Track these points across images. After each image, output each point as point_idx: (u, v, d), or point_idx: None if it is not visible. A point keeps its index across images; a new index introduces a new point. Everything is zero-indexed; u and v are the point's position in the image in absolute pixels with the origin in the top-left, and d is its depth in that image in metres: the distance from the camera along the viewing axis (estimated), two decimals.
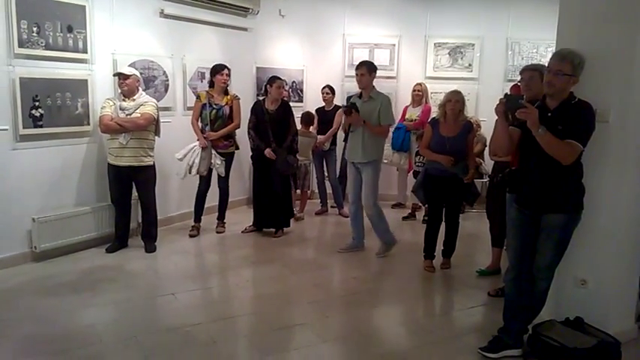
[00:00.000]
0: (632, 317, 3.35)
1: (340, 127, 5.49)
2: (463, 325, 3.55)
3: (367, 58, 6.78)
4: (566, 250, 2.95)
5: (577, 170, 2.89)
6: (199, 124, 5.14)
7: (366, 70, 4.56)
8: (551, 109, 2.85)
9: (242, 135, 5.43)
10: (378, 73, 6.74)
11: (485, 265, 4.37)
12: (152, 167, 4.67)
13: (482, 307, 3.79)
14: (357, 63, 4.76)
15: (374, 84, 4.67)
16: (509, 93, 3.03)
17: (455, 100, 4.22)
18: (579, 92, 2.87)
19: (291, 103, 5.69)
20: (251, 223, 5.45)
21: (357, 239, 4.92)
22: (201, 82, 5.70)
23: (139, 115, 4.47)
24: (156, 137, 4.68)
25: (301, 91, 6.88)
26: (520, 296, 3.03)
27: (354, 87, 5.30)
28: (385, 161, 6.37)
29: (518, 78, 3.61)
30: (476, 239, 4.93)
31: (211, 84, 5.21)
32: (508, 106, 2.84)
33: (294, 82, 6.83)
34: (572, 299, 3.22)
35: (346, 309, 3.73)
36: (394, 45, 6.91)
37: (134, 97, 4.53)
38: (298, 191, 6.05)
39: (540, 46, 6.65)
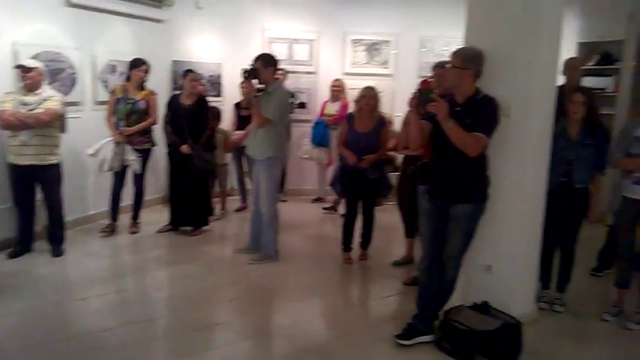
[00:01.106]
0: (533, 299, 3.60)
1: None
2: (380, 314, 3.65)
3: (286, 53, 6.84)
4: (474, 238, 3.11)
5: (483, 162, 3.05)
6: (113, 118, 4.91)
7: (261, 63, 4.28)
8: (459, 103, 2.99)
9: (159, 132, 5.26)
10: (298, 68, 6.86)
11: (400, 256, 4.52)
12: (57, 166, 4.39)
13: (398, 295, 3.92)
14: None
15: (289, 78, 4.62)
16: (421, 87, 3.16)
17: (369, 96, 4.31)
18: (485, 88, 3.03)
19: (210, 98, 5.56)
20: (167, 222, 5.28)
21: (252, 242, 4.66)
22: (113, 75, 5.44)
23: (43, 110, 4.19)
24: (62, 134, 4.41)
25: (219, 85, 6.75)
26: (432, 284, 3.16)
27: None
28: (305, 156, 6.44)
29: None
30: (392, 231, 5.08)
31: (127, 78, 5.00)
32: (420, 100, 2.95)
33: (211, 75, 6.69)
34: (479, 285, 3.40)
35: (266, 305, 3.72)
36: (313, 40, 6.95)
37: (37, 92, 4.23)
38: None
39: (452, 44, 6.88)
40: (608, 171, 3.58)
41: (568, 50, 6.28)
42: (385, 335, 3.22)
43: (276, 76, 4.65)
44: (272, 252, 4.51)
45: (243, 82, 4.76)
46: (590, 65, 6.35)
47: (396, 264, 4.46)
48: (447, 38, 6.90)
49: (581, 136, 3.47)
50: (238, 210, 6.16)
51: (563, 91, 3.78)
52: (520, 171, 3.30)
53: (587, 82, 6.30)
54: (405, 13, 6.90)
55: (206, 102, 5.19)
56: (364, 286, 4.29)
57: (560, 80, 4.26)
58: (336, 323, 3.51)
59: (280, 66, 6.34)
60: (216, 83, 6.72)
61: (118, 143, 4.81)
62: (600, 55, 6.32)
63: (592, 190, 3.52)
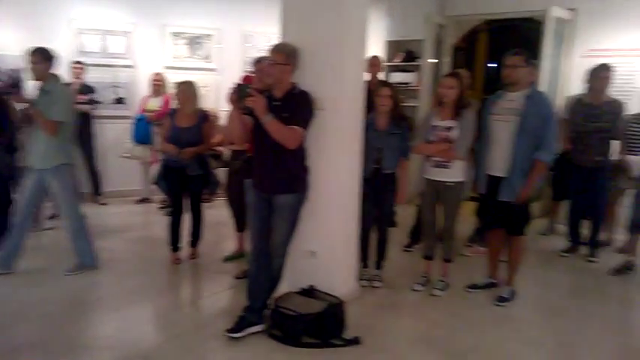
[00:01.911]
0: (355, 278, 3.88)
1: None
2: (211, 311, 3.61)
3: (99, 45, 6.35)
4: (298, 226, 3.24)
5: (302, 154, 3.19)
6: None
7: (40, 57, 3.81)
8: (277, 98, 3.09)
9: None
10: (113, 61, 6.43)
11: (231, 251, 4.52)
12: None
13: (230, 290, 3.91)
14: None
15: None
16: (240, 83, 3.18)
17: (182, 90, 4.22)
18: (301, 83, 3.16)
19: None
20: None
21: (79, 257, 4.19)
22: None
23: None
24: None
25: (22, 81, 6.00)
26: (261, 274, 3.22)
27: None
28: (127, 155, 6.07)
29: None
30: (222, 226, 5.05)
31: None
32: (239, 95, 2.97)
33: (12, 70, 5.91)
34: (305, 270, 3.56)
35: (86, 317, 3.44)
36: (130, 32, 6.55)
37: None
38: None
39: (273, 39, 7.06)
40: (414, 157, 3.98)
41: (377, 48, 6.88)
42: (217, 331, 3.19)
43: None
44: (89, 260, 4.16)
45: None
46: (396, 62, 7.01)
47: (228, 259, 4.45)
48: (270, 34, 7.05)
49: (389, 127, 3.80)
50: (52, 217, 5.58)
51: (369, 86, 4.11)
52: (337, 160, 3.51)
53: (395, 77, 6.97)
54: (226, 8, 6.87)
55: (4, 100, 4.56)
56: (195, 284, 4.20)
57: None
58: (166, 326, 3.39)
59: (78, 59, 5.94)
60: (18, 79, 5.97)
61: None
62: (405, 53, 7.00)
63: (399, 174, 3.89)
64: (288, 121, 2.98)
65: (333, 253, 3.61)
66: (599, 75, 4.52)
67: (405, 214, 5.07)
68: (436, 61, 6.79)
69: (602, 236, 4.99)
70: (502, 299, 3.78)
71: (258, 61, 3.85)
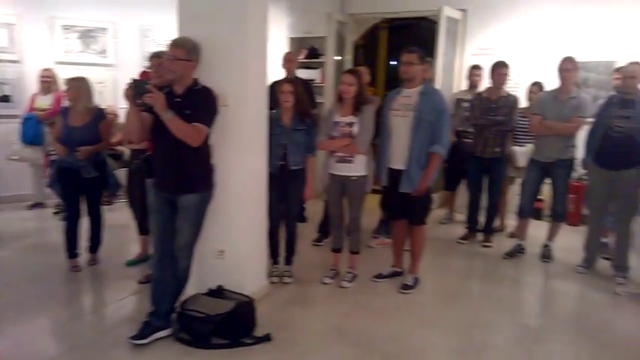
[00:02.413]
0: (264, 276, 3.87)
1: None
2: (114, 319, 3.43)
3: None
4: (203, 226, 3.17)
5: (206, 151, 3.12)
6: None
7: None
8: (178, 94, 2.98)
9: None
10: None
11: (134, 255, 4.33)
12: None
13: (133, 296, 3.74)
14: None
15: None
16: (136, 78, 3.03)
17: (73, 87, 3.98)
18: (202, 78, 3.08)
19: None
20: None
21: None
22: None
23: None
24: None
25: None
26: (165, 278, 3.11)
27: None
28: (15, 158, 5.62)
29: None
30: (125, 229, 4.83)
31: None
32: (136, 91, 2.84)
33: None
34: (213, 270, 3.49)
35: None
36: (14, 25, 6.04)
37: None
38: None
39: (173, 34, 6.82)
40: (320, 152, 4.03)
41: (282, 44, 6.89)
42: (121, 339, 3.04)
43: None
44: None
45: None
46: (301, 59, 7.04)
47: (131, 264, 4.25)
48: (170, 28, 6.81)
49: (293, 123, 3.82)
50: None
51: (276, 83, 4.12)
52: (242, 158, 3.47)
53: (299, 74, 7.00)
54: (122, 0, 6.54)
55: None
56: (96, 292, 3.98)
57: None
58: (65, 337, 3.17)
59: None
60: None
61: None
62: (308, 50, 7.07)
63: (306, 170, 3.92)
64: (190, 118, 2.90)
65: (242, 252, 3.57)
66: (496, 71, 4.84)
67: (315, 209, 5.13)
68: (339, 58, 6.93)
69: (496, 223, 5.36)
70: (406, 287, 3.94)
71: (156, 56, 3.70)
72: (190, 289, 3.31)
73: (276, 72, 5.20)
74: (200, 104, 2.99)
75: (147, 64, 3.96)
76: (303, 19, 6.97)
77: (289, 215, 4.03)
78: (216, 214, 3.32)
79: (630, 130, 3.95)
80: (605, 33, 5.64)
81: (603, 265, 4.45)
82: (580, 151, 4.43)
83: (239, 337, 3.06)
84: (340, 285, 3.97)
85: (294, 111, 3.82)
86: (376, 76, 9.93)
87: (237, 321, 3.09)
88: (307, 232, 5.01)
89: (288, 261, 4.11)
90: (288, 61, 5.33)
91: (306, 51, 7.04)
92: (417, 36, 8.29)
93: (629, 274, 4.17)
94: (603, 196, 4.25)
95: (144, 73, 3.90)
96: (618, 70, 4.74)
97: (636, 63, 4.03)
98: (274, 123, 3.78)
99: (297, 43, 7.09)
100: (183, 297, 3.23)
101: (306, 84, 5.33)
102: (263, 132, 3.64)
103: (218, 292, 3.29)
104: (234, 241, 3.53)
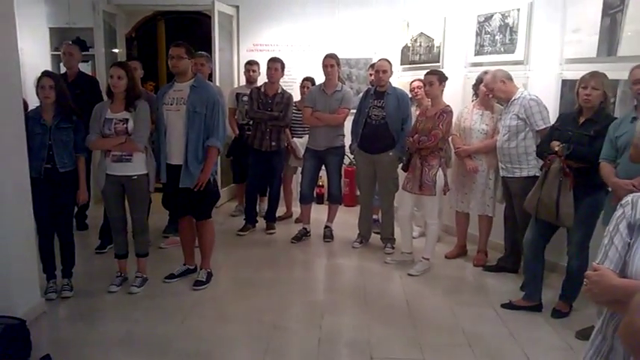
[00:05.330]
0: (39, 293, 3.44)
1: None
2: None
3: None
4: None
5: None
6: None
7: None
8: None
9: None
10: None
11: None
12: None
13: None
14: None
15: None
16: None
17: None
18: None
19: None
20: None
21: None
22: None
23: None
24: None
25: None
26: None
27: None
28: None
29: None
30: None
31: None
32: None
33: None
34: None
35: None
36: None
37: None
38: None
39: None
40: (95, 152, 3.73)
41: (40, 35, 6.20)
42: None
43: None
44: None
45: None
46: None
47: None
48: None
49: (56, 120, 3.48)
50: None
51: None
52: (3, 170, 3.05)
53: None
54: None
55: None
56: None
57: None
58: None
59: None
60: None
61: None
62: (73, 41, 6.45)
63: (78, 171, 3.62)
64: None
65: (8, 270, 3.13)
66: (269, 67, 5.06)
67: (95, 215, 4.76)
68: (117, 50, 6.51)
69: (283, 210, 5.64)
70: (199, 283, 3.91)
71: None
72: None
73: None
74: None
75: None
76: (65, 9, 6.33)
77: (62, 223, 3.67)
78: None
79: (383, 118, 4.54)
80: (364, 32, 6.30)
81: (375, 238, 5.02)
82: (348, 139, 4.92)
83: None
84: (129, 291, 3.76)
85: (55, 107, 3.48)
86: (158, 70, 9.59)
87: (8, 347, 2.72)
88: (91, 240, 4.64)
89: (67, 273, 3.74)
90: (68, 54, 4.80)
91: (69, 42, 6.41)
92: (196, 30, 8.23)
93: (394, 245, 4.79)
94: (369, 177, 4.80)
95: None
96: (372, 65, 5.36)
97: (385, 59, 4.63)
98: (35, 121, 3.40)
99: (59, 33, 6.43)
100: None
101: (93, 81, 5.10)
102: (21, 132, 3.22)
103: None
104: None
